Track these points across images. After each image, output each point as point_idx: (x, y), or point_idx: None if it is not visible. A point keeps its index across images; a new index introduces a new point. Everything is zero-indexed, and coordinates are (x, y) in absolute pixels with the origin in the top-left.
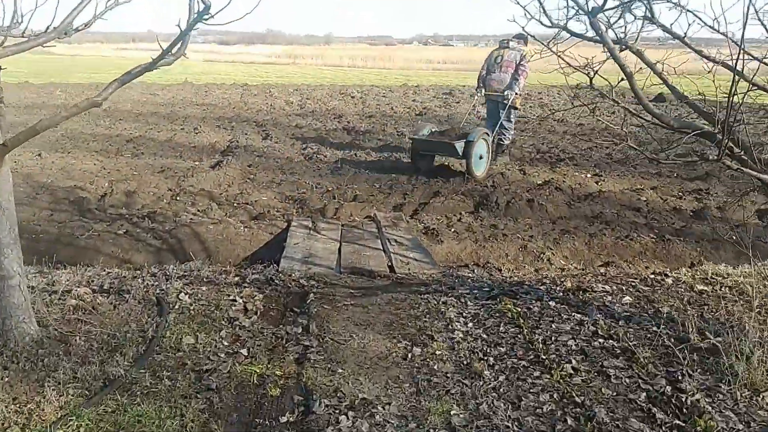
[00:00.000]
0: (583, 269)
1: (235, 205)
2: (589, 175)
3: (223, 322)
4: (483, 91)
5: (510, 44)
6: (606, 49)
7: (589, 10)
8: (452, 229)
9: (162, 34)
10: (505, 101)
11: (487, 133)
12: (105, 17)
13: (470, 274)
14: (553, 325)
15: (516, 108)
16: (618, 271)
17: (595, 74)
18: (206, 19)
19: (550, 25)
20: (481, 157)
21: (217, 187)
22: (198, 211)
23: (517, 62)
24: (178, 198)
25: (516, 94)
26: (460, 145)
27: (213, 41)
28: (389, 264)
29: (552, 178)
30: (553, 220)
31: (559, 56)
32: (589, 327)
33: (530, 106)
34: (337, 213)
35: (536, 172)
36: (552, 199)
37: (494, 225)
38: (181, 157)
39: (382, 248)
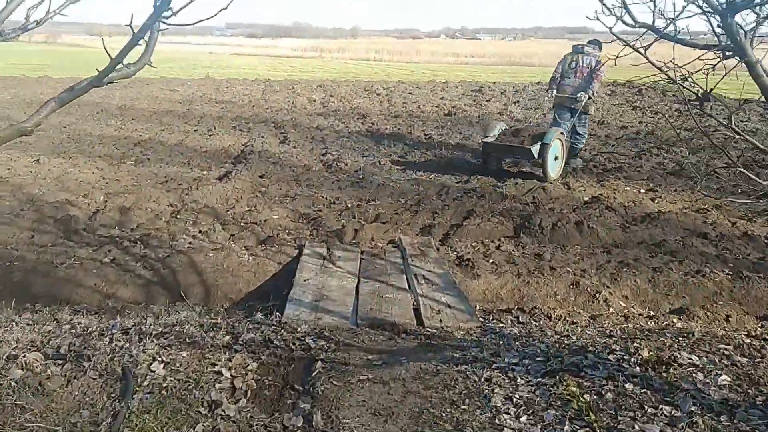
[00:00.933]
0: (651, 317)
1: (242, 224)
2: (642, 191)
3: (200, 410)
4: (554, 93)
5: (585, 49)
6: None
7: (724, 6)
8: (490, 260)
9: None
10: (576, 105)
11: (562, 133)
12: (65, 12)
13: (515, 329)
14: (636, 425)
15: (588, 114)
16: (703, 332)
17: (710, 92)
18: (167, 18)
19: (634, 24)
20: (556, 158)
21: (223, 202)
22: (200, 232)
23: (592, 67)
24: (178, 216)
25: (589, 97)
26: (535, 149)
27: (240, 34)
28: (415, 307)
29: (601, 194)
30: (607, 249)
31: (664, 72)
32: (685, 431)
33: None
34: (357, 236)
35: (582, 186)
36: (603, 222)
37: (538, 254)
38: (190, 164)
39: (407, 287)
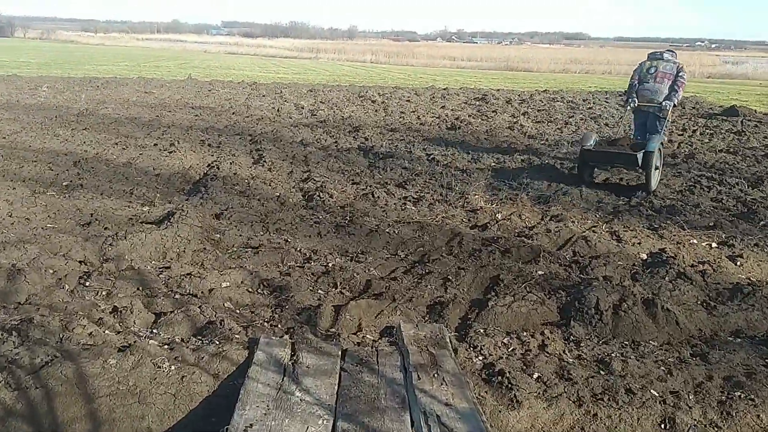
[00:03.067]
0: None
1: (176, 297)
2: (714, 244)
3: None
4: (635, 102)
5: (664, 56)
6: None
7: None
8: (534, 372)
9: (188, 24)
10: (660, 113)
11: (662, 143)
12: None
13: None
14: None
15: (667, 119)
16: None
17: None
18: None
19: None
20: (656, 168)
21: (159, 258)
22: (112, 310)
23: (674, 74)
24: (88, 282)
25: (674, 105)
26: (640, 156)
27: (237, 33)
28: None
29: (662, 250)
30: (696, 346)
31: None
32: None
33: (581, 118)
34: (338, 321)
35: (634, 235)
36: (680, 298)
37: (603, 361)
38: (132, 194)
39: None
